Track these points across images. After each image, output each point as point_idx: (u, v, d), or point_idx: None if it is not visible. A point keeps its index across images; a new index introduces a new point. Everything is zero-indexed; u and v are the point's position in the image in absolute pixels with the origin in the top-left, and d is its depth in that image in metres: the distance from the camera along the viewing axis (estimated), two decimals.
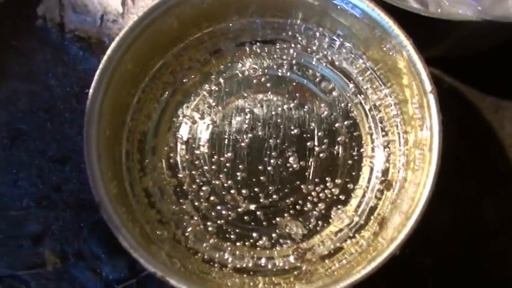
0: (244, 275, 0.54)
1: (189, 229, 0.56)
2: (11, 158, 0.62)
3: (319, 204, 0.56)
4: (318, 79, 0.58)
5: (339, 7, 0.54)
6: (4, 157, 0.62)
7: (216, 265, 0.55)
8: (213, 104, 0.58)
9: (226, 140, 0.57)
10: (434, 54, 0.59)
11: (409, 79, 0.52)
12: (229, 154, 0.57)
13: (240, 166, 0.56)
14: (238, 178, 0.56)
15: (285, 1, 0.56)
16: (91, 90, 0.50)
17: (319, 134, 0.57)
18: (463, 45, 0.62)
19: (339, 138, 0.57)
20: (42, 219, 0.61)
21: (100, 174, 0.49)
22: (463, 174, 0.60)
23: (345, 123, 0.57)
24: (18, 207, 0.61)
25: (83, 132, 0.50)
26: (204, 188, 0.57)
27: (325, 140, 0.57)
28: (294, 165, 0.56)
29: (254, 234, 0.56)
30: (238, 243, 0.56)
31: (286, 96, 0.58)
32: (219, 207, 0.56)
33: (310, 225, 0.56)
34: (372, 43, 0.55)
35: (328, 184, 0.56)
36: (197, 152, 0.57)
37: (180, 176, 0.57)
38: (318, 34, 0.58)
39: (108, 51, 0.51)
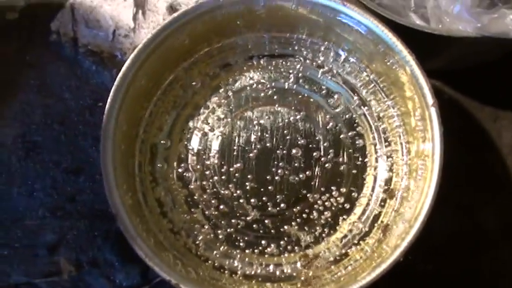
0: (253, 282, 0.56)
1: (199, 237, 0.57)
2: (26, 169, 0.64)
3: (325, 213, 0.58)
4: (323, 92, 0.60)
5: (343, 23, 0.56)
6: (20, 169, 0.64)
7: (226, 272, 0.56)
8: (222, 116, 0.60)
9: (235, 151, 0.59)
10: (435, 67, 0.61)
11: (411, 92, 0.54)
12: (238, 164, 0.59)
13: (249, 176, 0.58)
14: (247, 188, 0.58)
15: (291, 17, 0.58)
16: (107, 106, 0.52)
17: (325, 144, 0.59)
18: (463, 59, 0.64)
19: (343, 149, 0.59)
20: (57, 229, 0.62)
21: (116, 187, 0.51)
22: (463, 182, 0.62)
23: (350, 134, 0.59)
24: (34, 217, 0.62)
25: (99, 147, 0.52)
26: (214, 198, 0.58)
27: (330, 151, 0.59)
28: (301, 175, 0.58)
29: (263, 242, 0.57)
30: (247, 251, 0.57)
31: (293, 108, 0.60)
32: (228, 216, 0.58)
33: (317, 233, 0.57)
34: (375, 57, 0.57)
35: (333, 193, 0.58)
36: (207, 162, 0.59)
37: (191, 186, 0.59)
38: (323, 48, 0.60)
39: (123, 69, 0.53)
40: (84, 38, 0.67)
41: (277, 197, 0.58)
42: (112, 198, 0.51)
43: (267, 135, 0.59)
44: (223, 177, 0.59)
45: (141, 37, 0.66)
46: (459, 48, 0.58)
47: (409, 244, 0.50)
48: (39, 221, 0.62)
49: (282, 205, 0.58)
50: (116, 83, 0.53)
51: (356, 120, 0.60)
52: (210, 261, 0.57)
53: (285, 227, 0.58)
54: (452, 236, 0.62)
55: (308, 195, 0.58)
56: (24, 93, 0.66)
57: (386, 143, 0.59)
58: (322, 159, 0.59)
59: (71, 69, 0.67)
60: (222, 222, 0.58)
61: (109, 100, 0.53)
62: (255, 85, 0.61)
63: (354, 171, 0.59)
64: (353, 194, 0.58)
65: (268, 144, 0.59)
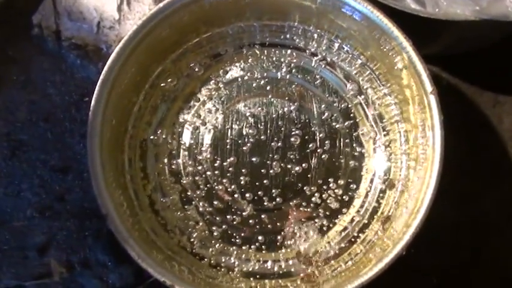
0: (251, 279, 0.55)
1: (194, 235, 0.56)
2: (12, 168, 0.62)
3: (323, 205, 0.56)
4: (317, 81, 0.58)
5: (337, 9, 0.54)
6: (5, 168, 0.62)
7: (222, 270, 0.55)
8: (214, 109, 0.58)
9: (228, 144, 0.57)
10: (432, 52, 0.60)
11: (408, 80, 0.53)
12: (232, 158, 0.57)
13: (243, 170, 0.57)
14: (242, 182, 0.56)
15: (282, 3, 0.56)
16: (93, 102, 0.50)
17: (321, 135, 0.57)
18: (461, 44, 0.62)
19: (340, 139, 0.57)
20: (46, 229, 0.60)
21: (105, 186, 0.49)
22: (463, 170, 0.60)
23: (346, 124, 0.58)
24: (22, 218, 0.61)
25: (86, 145, 0.50)
26: (208, 193, 0.57)
27: (326, 142, 0.57)
28: (297, 168, 0.57)
29: (259, 238, 0.56)
30: (243, 247, 0.56)
31: (287, 99, 0.58)
32: (223, 212, 0.56)
33: (314, 227, 0.56)
34: (370, 44, 0.55)
35: (331, 185, 0.57)
36: (200, 157, 0.57)
37: (184, 182, 0.57)
38: (316, 36, 0.58)
39: (108, 62, 0.51)
40: (68, 31, 0.65)
41: (273, 191, 0.56)
42: (101, 198, 0.49)
43: (260, 128, 0.57)
44: (216, 172, 0.57)
45: (127, 29, 0.64)
46: (457, 32, 0.56)
47: (412, 237, 0.48)
48: (28, 221, 0.61)
49: (278, 199, 0.56)
50: (101, 77, 0.51)
51: (352, 110, 0.58)
52: (205, 259, 0.55)
53: (282, 221, 0.56)
54: (454, 226, 0.61)
55: (305, 188, 0.56)
56: (7, 90, 0.64)
57: (384, 132, 0.57)
58: (319, 150, 0.57)
59: (55, 64, 0.65)
60: (217, 218, 0.56)
61: (95, 95, 0.51)
62: (246, 76, 0.59)
63: (352, 162, 0.57)
64: (351, 185, 0.57)
65: (262, 137, 0.57)
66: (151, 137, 0.58)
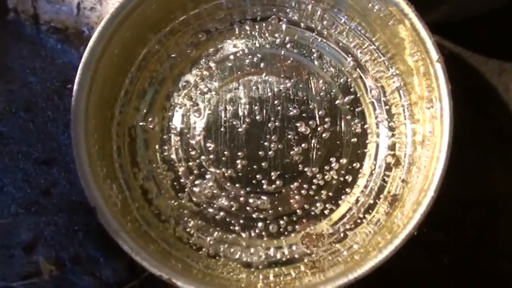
0: (252, 268, 0.52)
1: (190, 224, 0.53)
2: None
3: (326, 187, 0.54)
4: (314, 55, 0.55)
5: None
6: None
7: (222, 260, 0.53)
8: (205, 90, 0.55)
9: (223, 127, 0.54)
10: (433, 20, 0.56)
11: (411, 49, 0.50)
12: (227, 142, 0.54)
13: (239, 153, 0.54)
14: (239, 166, 0.54)
15: None
16: (75, 87, 0.47)
17: (320, 112, 0.54)
18: (462, 9, 0.59)
19: (341, 116, 0.54)
20: (32, 226, 0.58)
21: (93, 177, 0.46)
22: (471, 143, 0.58)
23: (346, 99, 0.55)
24: (6, 214, 0.58)
25: (70, 133, 0.47)
26: (202, 180, 0.54)
27: (326, 119, 0.54)
28: (296, 148, 0.54)
29: (259, 224, 0.53)
30: (243, 235, 0.53)
31: (282, 76, 0.55)
32: (220, 199, 0.54)
33: (318, 210, 0.53)
34: (368, 13, 0.52)
35: (333, 165, 0.54)
36: (192, 142, 0.54)
37: (177, 168, 0.54)
38: (310, 8, 0.55)
39: (90, 44, 0.48)
40: (46, 14, 0.62)
41: (272, 174, 0.54)
42: (89, 190, 0.46)
43: (256, 107, 0.54)
44: (211, 156, 0.54)
45: (109, 9, 0.61)
46: None
47: (423, 216, 0.45)
48: (12, 218, 0.58)
49: (278, 182, 0.54)
50: (82, 60, 0.48)
51: (352, 84, 0.55)
52: (203, 250, 0.53)
53: (283, 205, 0.53)
54: (463, 201, 0.59)
55: (306, 169, 0.54)
56: None
57: (387, 106, 0.55)
58: (319, 128, 0.54)
59: (34, 50, 0.62)
60: (214, 205, 0.53)
61: (77, 80, 0.48)
62: (239, 53, 0.56)
63: (354, 140, 0.54)
64: (354, 164, 0.54)
65: (258, 117, 0.54)
66: (140, 123, 0.55)
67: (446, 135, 0.46)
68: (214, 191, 0.54)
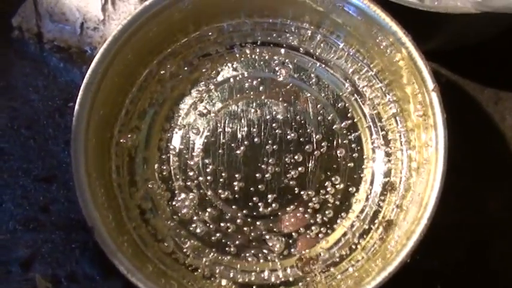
0: None
1: (186, 244, 0.53)
2: None
3: (321, 211, 0.54)
4: (312, 80, 0.56)
5: (331, 4, 0.51)
6: None
7: (217, 281, 0.53)
8: (205, 111, 0.55)
9: (221, 148, 0.54)
10: (431, 48, 0.57)
11: (408, 77, 0.50)
12: (225, 163, 0.54)
13: (237, 175, 0.54)
14: (236, 188, 0.54)
15: None
16: (76, 107, 0.48)
17: (317, 137, 0.55)
18: (460, 38, 0.60)
19: (337, 141, 0.55)
20: (30, 243, 0.58)
21: (91, 197, 0.47)
22: (465, 170, 0.58)
23: (343, 124, 0.55)
24: (4, 231, 0.58)
25: (70, 153, 0.47)
26: (200, 200, 0.54)
27: (323, 143, 0.55)
28: (293, 172, 0.54)
29: (255, 246, 0.54)
30: (239, 256, 0.53)
31: (281, 99, 0.55)
32: (216, 220, 0.54)
33: (313, 233, 0.54)
34: (367, 41, 0.53)
35: (329, 189, 0.54)
36: (191, 162, 0.55)
37: (174, 189, 0.54)
38: (309, 33, 0.56)
39: (92, 65, 0.48)
40: (50, 33, 0.62)
41: (269, 196, 0.54)
42: (87, 210, 0.46)
43: (254, 130, 0.55)
44: (208, 177, 0.54)
45: (112, 29, 0.61)
46: (457, 26, 0.54)
47: (416, 243, 0.46)
48: (10, 234, 0.58)
49: (274, 205, 0.54)
50: (84, 80, 0.48)
51: (349, 109, 0.55)
52: (199, 271, 0.53)
53: (279, 228, 0.54)
54: (457, 228, 0.59)
55: (302, 192, 0.54)
56: None
57: (383, 132, 0.55)
58: (315, 152, 0.54)
59: (37, 68, 0.62)
60: (210, 226, 0.54)
61: (78, 99, 0.48)
62: (238, 76, 0.56)
63: (350, 165, 0.55)
64: (350, 189, 0.54)
65: (256, 140, 0.55)
66: (140, 143, 0.55)
67: (441, 164, 0.47)
68: (211, 213, 0.54)
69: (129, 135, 0.54)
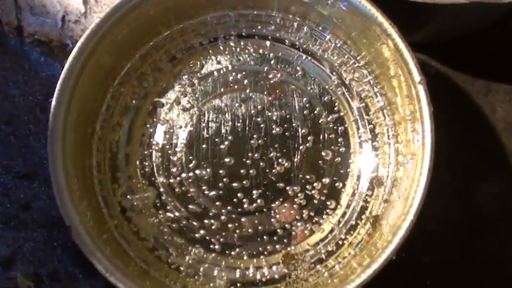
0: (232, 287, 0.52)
1: (169, 242, 0.53)
2: None
3: (307, 206, 0.53)
4: (298, 73, 0.55)
5: None
6: None
7: (201, 279, 0.52)
8: (188, 106, 0.54)
9: (205, 144, 0.53)
10: (420, 39, 0.56)
11: (395, 69, 0.49)
12: (209, 159, 0.53)
13: (221, 171, 0.53)
14: (220, 184, 0.53)
15: None
16: (53, 103, 0.47)
17: (303, 131, 0.53)
18: (449, 30, 0.59)
19: (324, 135, 0.54)
20: (11, 241, 0.57)
21: (69, 195, 0.46)
22: (456, 163, 0.57)
23: (329, 118, 0.54)
24: None
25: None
26: (183, 197, 0.53)
27: (309, 138, 0.54)
28: (278, 167, 0.53)
29: (240, 243, 0.53)
30: (223, 254, 0.53)
31: (266, 93, 0.54)
32: (200, 217, 0.53)
33: (299, 230, 0.53)
34: (353, 32, 0.51)
35: (315, 184, 0.53)
36: (174, 158, 0.54)
37: (157, 185, 0.53)
38: (295, 25, 0.54)
39: (69, 59, 0.48)
40: (30, 27, 0.61)
41: (254, 192, 0.53)
42: (64, 208, 0.46)
43: (238, 125, 0.54)
44: (191, 173, 0.53)
45: (94, 22, 0.60)
46: (446, 17, 0.53)
47: (402, 240, 0.45)
48: None
49: (259, 201, 0.53)
50: (62, 75, 0.47)
51: (336, 103, 0.54)
52: (182, 269, 0.52)
53: (264, 225, 0.53)
54: (447, 223, 0.58)
55: (287, 188, 0.53)
56: None
57: (371, 126, 0.54)
58: (301, 147, 0.53)
59: (17, 63, 0.61)
60: (194, 223, 0.53)
61: (55, 95, 0.47)
62: (222, 69, 0.55)
63: (337, 159, 0.53)
64: (337, 184, 0.53)
65: (240, 135, 0.54)
66: (122, 139, 0.54)
67: (427, 158, 0.46)
68: (195, 210, 0.53)
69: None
